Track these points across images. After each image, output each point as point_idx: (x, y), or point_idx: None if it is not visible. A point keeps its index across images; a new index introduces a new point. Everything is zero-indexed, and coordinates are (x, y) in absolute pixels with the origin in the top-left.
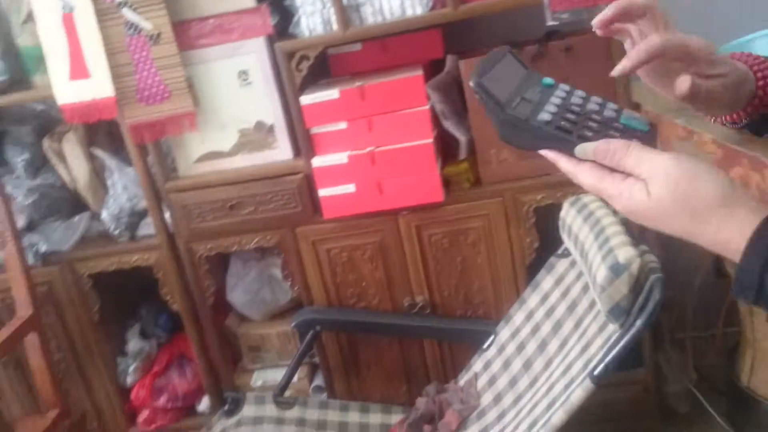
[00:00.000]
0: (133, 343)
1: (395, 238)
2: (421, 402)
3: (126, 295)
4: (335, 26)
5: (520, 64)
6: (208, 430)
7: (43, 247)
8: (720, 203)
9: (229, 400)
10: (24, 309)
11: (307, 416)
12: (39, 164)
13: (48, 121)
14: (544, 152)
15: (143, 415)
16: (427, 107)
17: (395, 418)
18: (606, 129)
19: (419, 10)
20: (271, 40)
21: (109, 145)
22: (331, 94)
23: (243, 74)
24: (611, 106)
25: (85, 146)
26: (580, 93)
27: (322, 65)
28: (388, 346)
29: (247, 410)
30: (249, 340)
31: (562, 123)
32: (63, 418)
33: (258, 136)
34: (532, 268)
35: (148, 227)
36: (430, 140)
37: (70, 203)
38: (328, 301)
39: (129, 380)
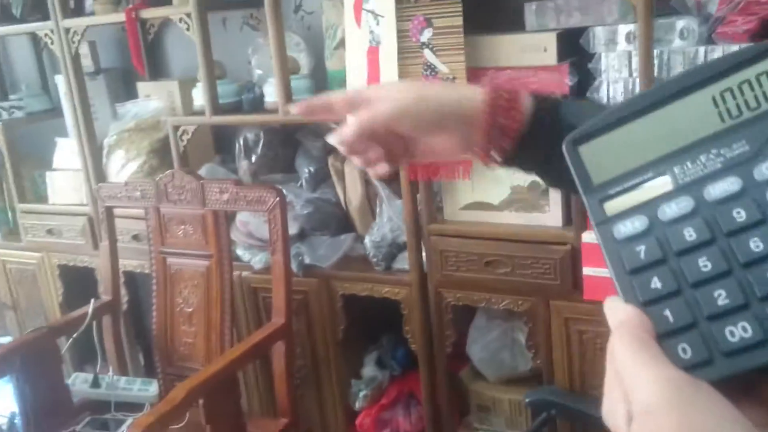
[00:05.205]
0: (369, 369)
1: None
2: None
3: (371, 320)
4: None
5: None
6: None
7: (307, 259)
8: None
9: None
10: (278, 317)
11: None
12: (321, 179)
13: None
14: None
15: None
16: None
17: None
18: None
19: None
20: None
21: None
22: None
23: None
24: None
25: (363, 171)
26: None
27: None
28: None
29: None
30: (480, 399)
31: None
32: (291, 428)
33: (530, 195)
34: None
35: (403, 262)
36: None
37: (340, 221)
38: (570, 385)
39: (358, 405)
